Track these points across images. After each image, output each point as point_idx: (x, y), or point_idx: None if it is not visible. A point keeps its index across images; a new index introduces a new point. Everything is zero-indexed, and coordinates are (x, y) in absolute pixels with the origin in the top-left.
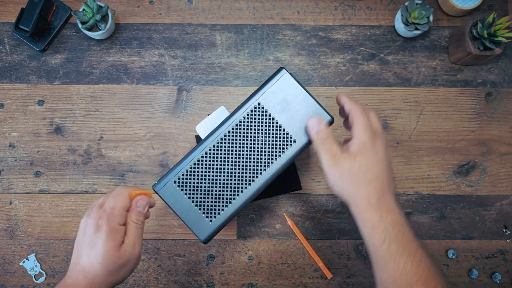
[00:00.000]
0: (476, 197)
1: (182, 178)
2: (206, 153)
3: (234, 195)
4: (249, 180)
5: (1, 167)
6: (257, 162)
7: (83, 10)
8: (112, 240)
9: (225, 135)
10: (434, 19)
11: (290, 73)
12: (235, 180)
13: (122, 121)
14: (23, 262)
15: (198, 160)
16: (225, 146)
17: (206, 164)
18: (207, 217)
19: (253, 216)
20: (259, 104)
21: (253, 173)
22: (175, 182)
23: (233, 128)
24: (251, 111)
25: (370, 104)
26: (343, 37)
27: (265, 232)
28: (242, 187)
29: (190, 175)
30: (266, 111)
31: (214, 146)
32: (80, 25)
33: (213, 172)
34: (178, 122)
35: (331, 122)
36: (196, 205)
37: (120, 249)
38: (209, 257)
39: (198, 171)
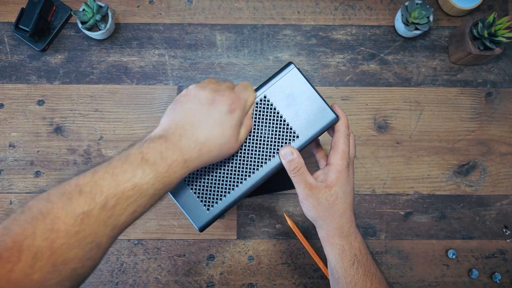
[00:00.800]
0: (476, 197)
1: None
2: None
3: (233, 185)
4: (249, 172)
5: (1, 167)
6: (259, 154)
7: (83, 10)
8: (238, 128)
9: None
10: (434, 19)
11: (298, 69)
12: (235, 170)
13: (122, 121)
14: None
15: None
16: None
17: None
18: (204, 205)
19: (253, 216)
20: (265, 97)
21: (254, 165)
22: None
23: None
24: (257, 103)
25: (370, 104)
26: (343, 37)
27: (265, 232)
28: (241, 178)
29: None
30: (271, 105)
31: None
32: (80, 25)
33: None
34: None
35: (336, 121)
36: (195, 193)
37: (237, 141)
38: (209, 257)
39: None
